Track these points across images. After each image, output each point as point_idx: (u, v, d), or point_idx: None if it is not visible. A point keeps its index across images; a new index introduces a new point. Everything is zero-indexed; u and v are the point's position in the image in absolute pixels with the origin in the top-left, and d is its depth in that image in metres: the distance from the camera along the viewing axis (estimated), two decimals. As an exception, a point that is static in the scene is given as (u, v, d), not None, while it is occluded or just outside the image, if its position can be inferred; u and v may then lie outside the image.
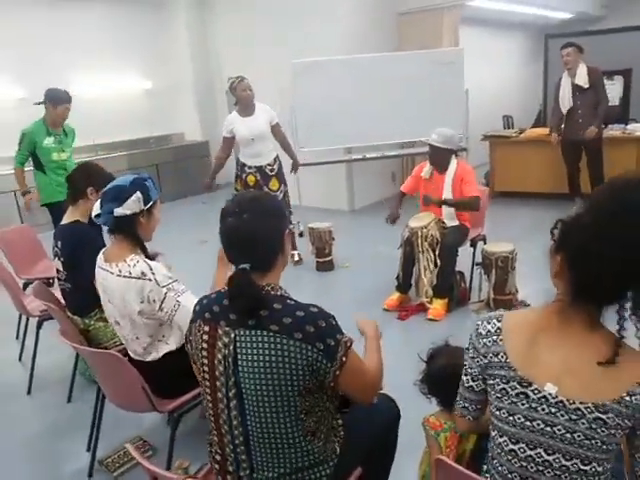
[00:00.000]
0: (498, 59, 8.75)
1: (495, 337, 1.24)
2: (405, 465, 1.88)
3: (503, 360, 1.21)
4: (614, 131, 5.85)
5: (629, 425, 1.12)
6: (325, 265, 4.56)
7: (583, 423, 1.12)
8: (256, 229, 1.40)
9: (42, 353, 3.17)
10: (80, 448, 2.47)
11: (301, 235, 5.32)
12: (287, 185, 4.63)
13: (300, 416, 1.40)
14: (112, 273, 2.00)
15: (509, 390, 1.20)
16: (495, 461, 1.27)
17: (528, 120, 8.38)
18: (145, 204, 2.03)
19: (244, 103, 4.36)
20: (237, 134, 4.36)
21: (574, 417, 1.13)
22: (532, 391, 1.17)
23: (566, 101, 5.30)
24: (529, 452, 1.19)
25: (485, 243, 3.78)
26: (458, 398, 1.39)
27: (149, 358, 2.10)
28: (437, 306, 3.50)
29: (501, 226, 5.76)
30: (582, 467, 1.15)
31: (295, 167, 4.76)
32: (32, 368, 3.07)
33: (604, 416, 1.11)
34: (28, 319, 3.29)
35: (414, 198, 3.90)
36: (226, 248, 1.44)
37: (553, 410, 1.15)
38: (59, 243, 2.64)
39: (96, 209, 2.03)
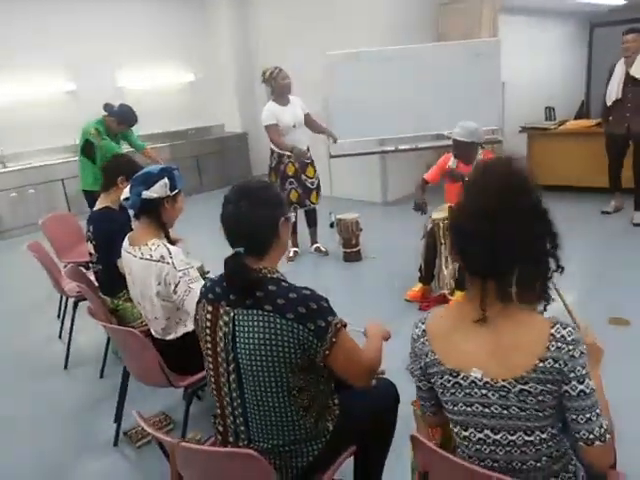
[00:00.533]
0: (541, 48, 8.46)
1: (423, 339, 1.32)
2: (404, 449, 1.94)
3: (433, 358, 1.29)
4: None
5: (555, 388, 1.17)
6: (352, 255, 4.62)
7: (512, 398, 1.19)
8: (251, 216, 1.49)
9: (80, 332, 3.39)
10: (108, 420, 2.64)
11: (332, 226, 5.38)
12: None
13: (292, 392, 1.49)
14: (135, 256, 2.15)
15: (445, 383, 1.27)
16: (459, 449, 1.35)
17: (571, 111, 8.13)
18: (171, 191, 2.17)
19: (284, 91, 4.45)
20: (280, 122, 4.43)
21: (502, 394, 1.19)
22: (462, 379, 1.24)
23: (614, 91, 4.90)
24: (479, 435, 1.26)
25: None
26: (417, 398, 1.47)
27: (168, 337, 2.23)
28: (458, 298, 3.52)
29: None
30: (527, 438, 1.21)
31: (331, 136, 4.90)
32: (69, 345, 3.29)
33: (527, 387, 1.17)
34: (67, 299, 3.51)
35: (440, 188, 3.90)
36: (225, 233, 1.54)
37: (484, 392, 1.22)
38: (91, 227, 2.82)
39: (125, 193, 2.19)
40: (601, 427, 1.18)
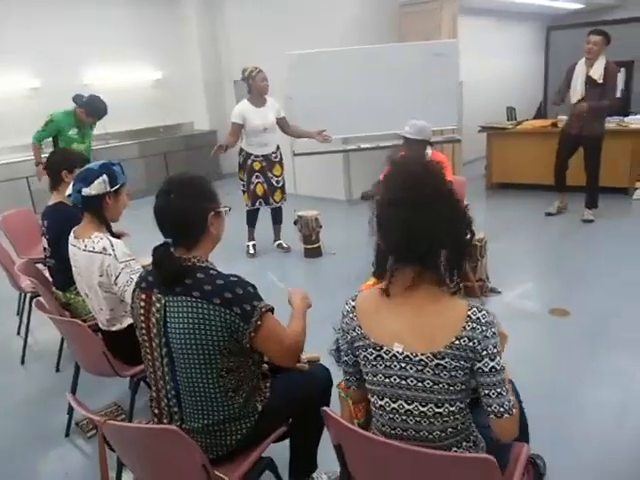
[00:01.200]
0: (500, 50, 8.65)
1: (351, 315, 1.43)
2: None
3: (359, 332, 1.40)
4: (610, 123, 5.82)
5: (468, 365, 1.29)
6: (312, 251, 4.73)
7: (428, 371, 1.30)
8: (180, 209, 1.58)
9: (38, 327, 3.44)
10: (61, 411, 2.68)
11: (295, 223, 5.48)
12: None
13: (221, 373, 1.58)
14: (79, 248, 2.22)
15: (368, 356, 1.39)
16: (374, 418, 1.46)
17: (532, 112, 8.36)
18: (111, 186, 2.24)
19: (261, 93, 4.52)
20: (249, 123, 4.51)
21: (420, 367, 1.31)
22: (384, 352, 1.35)
23: (578, 91, 4.93)
24: (393, 405, 1.38)
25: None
26: (343, 373, 1.57)
27: (114, 328, 2.31)
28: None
29: (491, 216, 5.86)
30: (437, 410, 1.33)
31: (322, 136, 4.88)
32: (25, 340, 3.33)
33: (442, 362, 1.29)
34: (26, 296, 3.53)
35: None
36: (157, 224, 1.62)
37: (403, 365, 1.33)
38: (45, 222, 2.87)
39: (69, 189, 2.25)
40: (510, 401, 1.30)
